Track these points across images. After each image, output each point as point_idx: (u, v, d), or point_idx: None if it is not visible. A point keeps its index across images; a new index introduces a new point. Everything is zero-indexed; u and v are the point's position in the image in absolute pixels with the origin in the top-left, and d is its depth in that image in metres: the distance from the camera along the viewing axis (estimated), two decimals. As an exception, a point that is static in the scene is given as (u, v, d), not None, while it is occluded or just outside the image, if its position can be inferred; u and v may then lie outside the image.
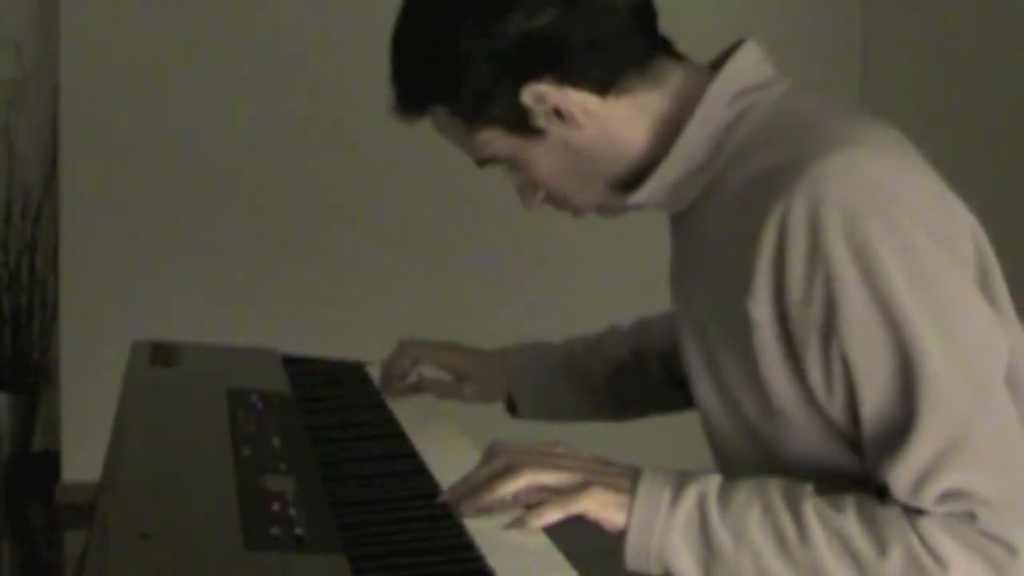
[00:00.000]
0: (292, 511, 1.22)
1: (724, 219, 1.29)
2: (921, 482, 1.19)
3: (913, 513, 1.20)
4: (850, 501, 1.22)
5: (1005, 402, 1.22)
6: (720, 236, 1.30)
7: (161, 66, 4.31)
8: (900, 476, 1.19)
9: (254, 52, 4.34)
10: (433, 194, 4.41)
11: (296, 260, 4.40)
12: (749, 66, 1.33)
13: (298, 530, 1.17)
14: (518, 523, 1.25)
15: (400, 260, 4.44)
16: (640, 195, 1.35)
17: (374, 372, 1.92)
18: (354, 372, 1.97)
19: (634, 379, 1.71)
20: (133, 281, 4.32)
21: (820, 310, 1.20)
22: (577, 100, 1.30)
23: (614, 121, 1.32)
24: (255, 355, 1.95)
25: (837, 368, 1.21)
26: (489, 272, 4.46)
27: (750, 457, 1.34)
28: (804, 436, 1.28)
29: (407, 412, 1.72)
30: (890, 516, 1.20)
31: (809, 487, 1.24)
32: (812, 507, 1.21)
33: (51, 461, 4.39)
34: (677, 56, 1.36)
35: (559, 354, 1.76)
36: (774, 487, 1.24)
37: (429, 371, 1.83)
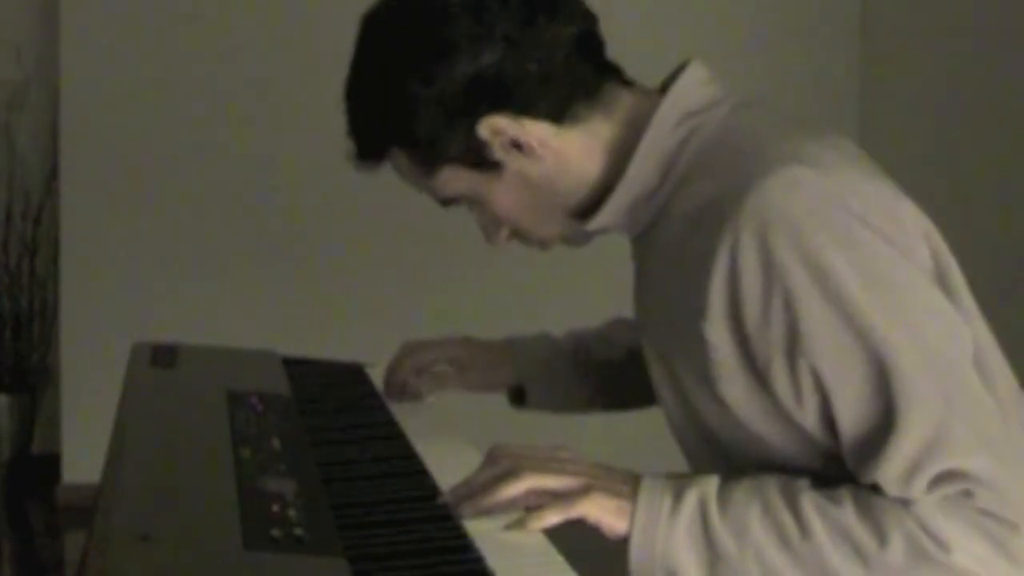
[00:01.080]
0: (292, 512, 1.22)
1: (674, 243, 1.31)
2: (911, 475, 1.19)
3: (909, 500, 1.21)
4: (846, 493, 1.23)
5: (979, 387, 1.23)
6: (671, 261, 1.31)
7: (161, 67, 4.31)
8: (889, 474, 1.20)
9: (254, 53, 4.34)
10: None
11: (295, 261, 4.39)
12: (694, 88, 1.34)
13: (298, 531, 1.17)
14: (518, 524, 1.25)
15: (401, 260, 4.44)
16: (597, 221, 1.37)
17: (374, 373, 1.92)
18: (354, 373, 1.97)
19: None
20: (133, 282, 4.32)
21: (781, 328, 1.21)
22: (533, 131, 1.32)
23: (569, 150, 1.34)
24: (255, 356, 1.95)
25: (807, 381, 1.22)
26: (490, 271, 4.46)
27: (712, 460, 1.36)
28: (767, 444, 1.30)
29: (407, 413, 1.72)
30: (887, 505, 1.21)
31: (805, 482, 1.25)
32: (810, 502, 1.22)
33: (51, 463, 4.39)
34: (626, 82, 1.37)
35: (567, 344, 1.77)
36: (772, 485, 1.25)
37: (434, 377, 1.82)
